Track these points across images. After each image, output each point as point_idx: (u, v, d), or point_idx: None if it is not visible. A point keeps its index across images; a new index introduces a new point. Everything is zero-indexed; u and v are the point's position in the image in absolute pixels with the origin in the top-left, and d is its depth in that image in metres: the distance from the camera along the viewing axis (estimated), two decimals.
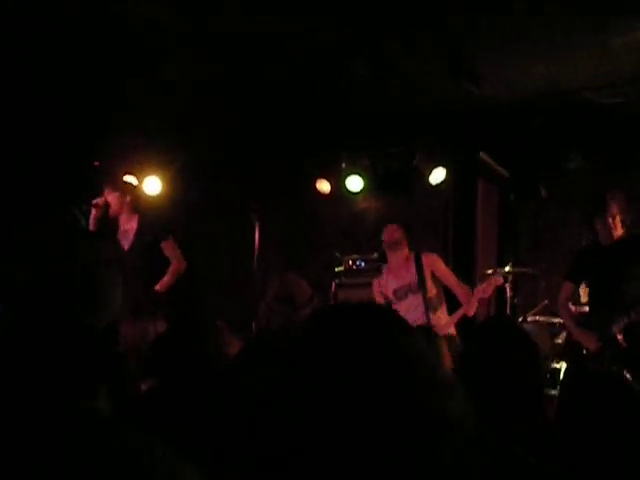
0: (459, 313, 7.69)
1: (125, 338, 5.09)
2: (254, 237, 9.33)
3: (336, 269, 9.69)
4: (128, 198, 8.15)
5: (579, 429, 2.39)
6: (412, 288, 7.83)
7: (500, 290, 9.66)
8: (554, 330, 8.99)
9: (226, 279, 11.21)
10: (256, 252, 9.36)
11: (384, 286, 8.05)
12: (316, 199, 11.17)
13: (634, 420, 2.28)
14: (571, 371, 7.39)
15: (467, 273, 10.44)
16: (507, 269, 9.23)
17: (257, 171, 10.88)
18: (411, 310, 7.71)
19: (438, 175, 10.34)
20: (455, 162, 10.42)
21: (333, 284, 9.57)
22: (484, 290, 7.66)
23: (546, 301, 9.39)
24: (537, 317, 9.28)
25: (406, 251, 7.95)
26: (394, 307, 8.00)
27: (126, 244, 7.95)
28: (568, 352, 7.53)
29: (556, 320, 9.06)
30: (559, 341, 8.79)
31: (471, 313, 7.60)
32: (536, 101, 9.40)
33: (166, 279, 7.94)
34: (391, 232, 7.95)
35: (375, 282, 8.23)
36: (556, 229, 10.66)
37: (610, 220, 7.03)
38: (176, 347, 3.62)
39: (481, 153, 10.30)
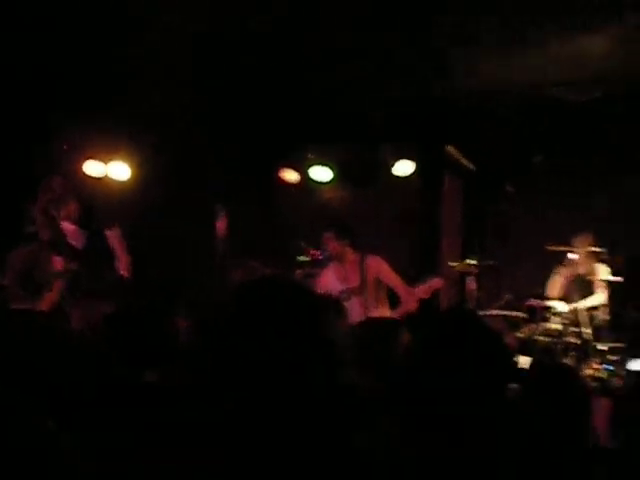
0: (398, 311, 7.71)
1: (80, 319, 5.08)
2: (219, 226, 9.31)
3: (300, 259, 9.67)
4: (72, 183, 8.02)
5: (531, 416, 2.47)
6: (356, 291, 7.83)
7: (463, 283, 9.72)
8: (516, 324, 9.06)
9: (190, 267, 11.17)
10: (221, 241, 9.34)
11: (331, 283, 8.03)
12: (283, 189, 11.14)
13: (578, 408, 2.36)
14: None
15: (431, 266, 10.49)
16: (471, 262, 9.27)
17: (224, 160, 10.84)
18: (354, 312, 7.68)
19: (404, 167, 10.36)
20: (422, 155, 10.45)
21: (297, 274, 9.55)
22: (424, 291, 7.72)
23: (509, 295, 9.44)
24: (499, 311, 9.33)
25: (350, 256, 7.93)
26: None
27: (71, 229, 7.86)
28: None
29: (518, 314, 9.13)
30: (520, 335, 8.86)
31: (411, 311, 7.63)
32: (504, 96, 9.43)
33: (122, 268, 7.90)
34: (327, 244, 7.97)
35: (323, 274, 8.21)
36: (521, 224, 10.70)
37: None
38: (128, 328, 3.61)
39: (447, 147, 10.33)
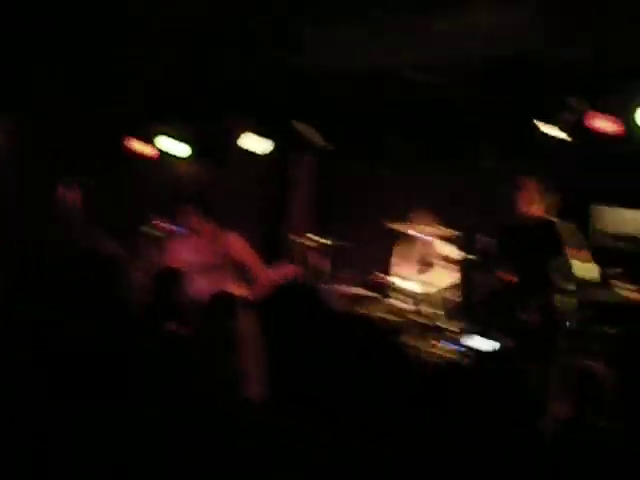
0: (251, 290, 7.78)
1: None
2: (70, 197, 9.16)
3: (149, 231, 9.60)
4: None
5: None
6: (210, 266, 7.86)
7: (311, 261, 9.80)
8: (361, 301, 9.18)
9: (39, 237, 10.95)
10: (72, 211, 9.18)
11: (185, 257, 8.02)
12: (134, 162, 11.02)
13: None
14: None
15: (278, 243, 10.57)
16: (319, 240, 9.35)
17: (78, 135, 10.64)
18: (207, 286, 7.68)
19: (254, 143, 10.41)
20: (273, 132, 10.48)
21: (146, 248, 9.49)
22: (277, 274, 7.85)
23: (355, 272, 9.57)
24: (345, 288, 9.44)
25: (207, 231, 7.96)
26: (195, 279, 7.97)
27: None
28: None
29: (363, 292, 9.26)
30: (365, 312, 8.98)
31: (262, 292, 7.72)
32: (357, 75, 9.51)
33: None
34: (186, 218, 8.01)
35: (177, 247, 8.20)
36: (370, 204, 10.83)
37: None
38: None
39: (297, 123, 10.38)
